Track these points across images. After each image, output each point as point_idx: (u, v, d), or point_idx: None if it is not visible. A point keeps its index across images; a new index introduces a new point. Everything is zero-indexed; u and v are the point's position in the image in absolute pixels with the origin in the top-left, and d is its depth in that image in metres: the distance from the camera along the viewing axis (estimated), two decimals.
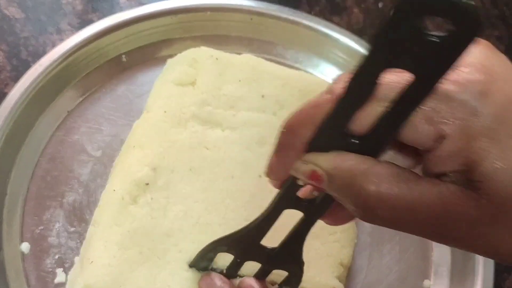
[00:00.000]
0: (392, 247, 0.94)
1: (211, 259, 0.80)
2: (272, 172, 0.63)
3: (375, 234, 0.95)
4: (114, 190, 0.85)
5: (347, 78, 0.49)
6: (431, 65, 0.45)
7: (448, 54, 0.44)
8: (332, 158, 0.54)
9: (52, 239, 0.89)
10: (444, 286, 0.93)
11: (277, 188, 0.65)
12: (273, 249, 0.74)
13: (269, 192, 0.86)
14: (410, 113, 0.49)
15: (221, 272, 0.81)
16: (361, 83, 0.49)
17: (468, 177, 0.48)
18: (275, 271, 0.79)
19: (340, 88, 0.50)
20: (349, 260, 0.88)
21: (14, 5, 1.10)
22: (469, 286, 0.90)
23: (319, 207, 0.65)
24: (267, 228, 0.71)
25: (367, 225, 0.95)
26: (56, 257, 0.88)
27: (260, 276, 0.79)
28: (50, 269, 0.87)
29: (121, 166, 0.88)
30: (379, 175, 0.51)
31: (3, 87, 1.01)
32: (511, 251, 0.49)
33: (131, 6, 1.13)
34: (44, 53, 1.04)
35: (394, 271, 0.93)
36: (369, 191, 0.50)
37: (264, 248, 0.74)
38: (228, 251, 0.77)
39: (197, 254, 0.80)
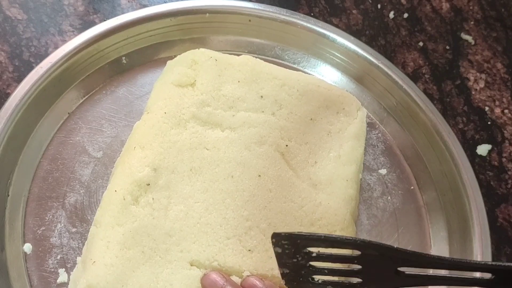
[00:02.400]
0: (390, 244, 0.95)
1: (335, 247, 0.71)
2: None
3: (374, 233, 0.96)
4: (116, 191, 0.86)
5: None
6: None
7: None
8: None
9: (54, 240, 0.90)
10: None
11: None
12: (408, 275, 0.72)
13: (268, 191, 0.88)
14: None
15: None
16: None
17: None
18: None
19: None
20: None
21: (16, 6, 1.10)
22: None
23: None
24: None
25: (365, 223, 0.96)
26: (58, 257, 0.88)
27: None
28: (52, 269, 0.88)
29: (122, 167, 0.89)
30: None
31: (5, 88, 1.02)
32: None
33: (132, 7, 1.14)
34: (46, 54, 1.05)
35: None
36: None
37: (400, 273, 0.71)
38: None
39: (322, 236, 0.72)
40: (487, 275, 0.69)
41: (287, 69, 1.01)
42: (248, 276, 0.81)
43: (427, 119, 1.02)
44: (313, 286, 0.76)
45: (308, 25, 1.09)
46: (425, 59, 1.17)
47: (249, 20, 1.09)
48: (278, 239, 0.71)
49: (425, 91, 1.12)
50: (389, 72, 1.06)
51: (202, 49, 1.00)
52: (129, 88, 1.03)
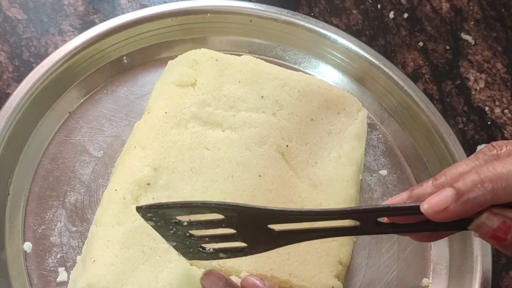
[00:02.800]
0: (390, 246, 0.95)
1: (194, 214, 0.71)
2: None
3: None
4: (116, 190, 0.86)
5: None
6: None
7: None
8: None
9: (54, 239, 0.90)
10: (442, 284, 0.93)
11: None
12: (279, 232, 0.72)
13: (268, 192, 0.88)
14: None
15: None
16: None
17: None
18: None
19: None
20: (348, 259, 0.89)
21: (16, 6, 1.10)
22: (467, 284, 0.90)
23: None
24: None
25: None
26: (58, 256, 0.88)
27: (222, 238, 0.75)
28: (52, 268, 0.88)
29: (123, 166, 0.89)
30: None
31: (5, 88, 1.02)
32: None
33: (132, 7, 1.14)
34: (46, 54, 1.05)
35: (393, 269, 0.93)
36: None
37: (269, 230, 0.72)
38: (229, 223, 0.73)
39: (178, 204, 0.71)
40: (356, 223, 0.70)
41: (288, 70, 1.01)
42: (248, 276, 0.80)
43: (427, 120, 1.02)
44: (207, 256, 0.76)
45: (309, 25, 1.09)
46: (425, 59, 1.17)
47: (250, 21, 1.09)
48: (143, 212, 0.71)
49: (425, 91, 1.12)
50: (390, 73, 1.06)
51: (203, 49, 1.00)
52: (130, 87, 1.04)
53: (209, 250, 0.75)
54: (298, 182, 0.91)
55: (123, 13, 1.11)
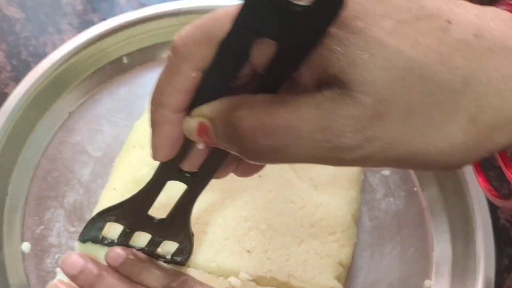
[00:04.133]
0: (393, 247, 0.94)
1: (101, 229, 0.79)
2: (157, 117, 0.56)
3: (376, 234, 0.95)
4: (115, 189, 0.86)
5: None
6: (297, 35, 0.44)
7: (313, 24, 0.43)
8: (215, 103, 0.51)
9: (53, 239, 0.90)
10: (445, 286, 0.92)
11: (162, 158, 0.60)
12: (161, 220, 0.75)
13: (268, 192, 0.87)
14: (284, 79, 0.49)
15: (111, 242, 0.79)
16: (232, 48, 0.48)
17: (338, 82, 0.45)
18: (166, 242, 0.78)
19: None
20: (349, 260, 0.88)
21: (14, 5, 1.11)
22: (470, 285, 0.89)
23: (203, 178, 0.67)
24: (152, 199, 0.72)
25: (367, 225, 0.95)
26: (57, 256, 0.88)
27: (152, 246, 0.78)
28: (51, 269, 0.88)
29: (122, 166, 0.89)
30: (251, 103, 0.48)
31: (3, 87, 1.02)
32: (423, 144, 0.46)
33: (131, 6, 1.14)
34: (44, 53, 1.06)
35: (395, 271, 0.92)
36: (242, 122, 0.48)
37: (152, 218, 0.75)
38: (117, 221, 0.77)
39: (86, 225, 0.79)
40: None
41: None
42: (111, 248, 0.80)
43: None
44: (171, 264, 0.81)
45: None
46: None
47: None
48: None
49: None
50: None
51: None
52: (129, 88, 1.04)
53: (168, 258, 0.80)
54: (298, 182, 0.91)
55: (122, 12, 1.11)
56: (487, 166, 1.04)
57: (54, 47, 1.05)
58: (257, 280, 0.82)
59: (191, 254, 0.80)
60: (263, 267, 0.82)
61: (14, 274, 0.87)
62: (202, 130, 0.52)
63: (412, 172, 1.01)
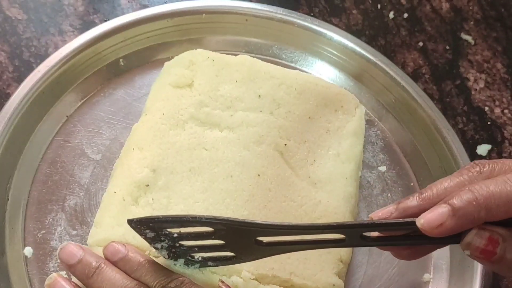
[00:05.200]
0: None
1: (184, 227, 0.74)
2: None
3: None
4: (115, 192, 0.86)
5: None
6: None
7: None
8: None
9: (55, 243, 0.90)
10: (443, 279, 0.93)
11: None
12: (264, 244, 0.74)
13: (268, 191, 0.88)
14: None
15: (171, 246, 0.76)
16: None
17: None
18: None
19: None
20: (349, 256, 0.89)
21: (16, 6, 1.11)
22: (468, 278, 0.90)
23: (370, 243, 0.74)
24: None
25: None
26: (59, 260, 0.88)
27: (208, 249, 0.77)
28: (53, 272, 0.86)
29: (121, 168, 0.89)
30: None
31: (5, 88, 1.02)
32: None
33: (132, 7, 1.15)
34: (46, 54, 1.06)
35: (393, 266, 0.93)
36: None
37: (260, 242, 0.74)
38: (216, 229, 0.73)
39: (169, 218, 0.74)
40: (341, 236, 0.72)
41: (285, 68, 1.01)
42: (111, 242, 0.80)
43: (425, 115, 1.02)
44: (195, 264, 0.79)
45: (305, 23, 1.09)
46: (425, 59, 1.17)
47: (246, 20, 1.09)
48: (134, 225, 0.74)
49: (424, 91, 1.11)
50: (387, 69, 1.06)
51: (199, 50, 1.00)
52: (127, 90, 1.04)
53: (197, 258, 0.78)
54: (297, 180, 0.91)
55: (123, 13, 1.12)
56: None
57: (56, 48, 1.05)
58: (259, 278, 0.82)
59: (226, 265, 0.80)
60: (264, 266, 0.82)
61: (17, 279, 0.86)
62: (490, 243, 0.64)
63: (408, 168, 1.03)
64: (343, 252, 0.87)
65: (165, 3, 1.14)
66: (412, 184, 1.01)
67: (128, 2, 1.15)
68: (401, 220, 0.69)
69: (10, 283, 0.86)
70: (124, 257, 0.78)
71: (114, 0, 1.15)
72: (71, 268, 0.78)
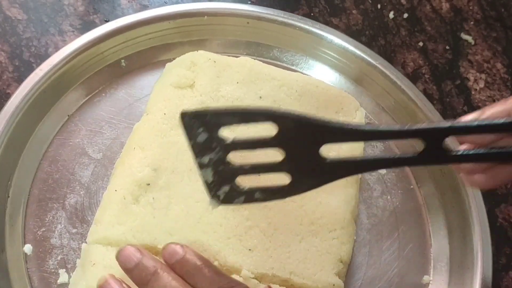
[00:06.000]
0: (391, 243, 0.95)
1: (247, 121, 0.68)
2: None
3: (374, 231, 0.96)
4: (116, 190, 0.86)
5: None
6: None
7: None
8: None
9: (55, 241, 0.90)
10: (443, 281, 0.93)
11: None
12: (328, 162, 0.69)
13: None
14: None
15: (221, 142, 0.69)
16: None
17: None
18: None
19: None
20: (349, 257, 0.89)
21: (16, 6, 1.11)
22: (468, 280, 0.90)
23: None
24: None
25: (365, 222, 0.96)
26: (59, 258, 0.88)
27: (264, 170, 0.70)
28: (53, 270, 0.88)
29: (122, 167, 0.89)
30: None
31: (5, 88, 1.03)
32: None
33: (132, 8, 1.15)
34: (46, 54, 1.06)
35: (393, 267, 0.93)
36: None
37: (322, 158, 0.69)
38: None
39: (232, 109, 0.70)
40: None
41: (286, 70, 1.02)
42: (168, 243, 0.78)
43: (425, 118, 1.02)
44: (240, 196, 0.71)
45: (306, 26, 1.09)
46: (425, 59, 1.17)
47: (247, 22, 1.09)
48: (187, 119, 0.68)
49: (425, 91, 1.12)
50: (387, 73, 1.06)
51: (200, 51, 1.00)
52: (128, 90, 1.04)
53: (243, 188, 0.71)
54: None
55: (123, 13, 1.12)
56: None
57: (56, 48, 1.05)
58: (259, 278, 0.83)
59: (275, 199, 0.73)
60: (264, 265, 0.83)
61: (17, 276, 0.86)
62: None
63: (408, 170, 1.03)
64: (343, 252, 0.88)
65: (165, 3, 1.14)
66: (411, 187, 1.01)
67: (128, 2, 1.15)
68: (501, 120, 0.63)
69: (9, 281, 0.86)
70: (181, 259, 0.75)
71: (114, 0, 1.15)
72: (128, 272, 0.76)
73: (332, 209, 0.89)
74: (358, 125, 0.68)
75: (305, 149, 0.67)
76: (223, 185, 0.70)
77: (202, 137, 0.68)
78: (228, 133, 0.68)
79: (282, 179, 0.70)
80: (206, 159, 0.68)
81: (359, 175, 0.98)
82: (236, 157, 0.68)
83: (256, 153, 0.68)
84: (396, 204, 0.99)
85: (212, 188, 0.70)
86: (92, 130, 0.99)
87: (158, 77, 1.01)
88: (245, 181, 0.70)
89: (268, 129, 0.66)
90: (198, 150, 0.68)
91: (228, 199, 0.71)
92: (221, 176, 0.69)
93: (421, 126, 0.65)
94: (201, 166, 0.69)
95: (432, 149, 0.65)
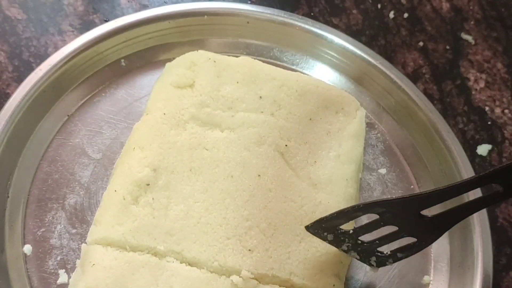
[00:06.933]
0: (391, 244, 0.95)
1: (351, 219, 0.83)
2: None
3: (374, 232, 0.95)
4: (115, 191, 0.86)
5: None
6: None
7: None
8: None
9: (54, 241, 0.90)
10: (443, 281, 0.93)
11: None
12: (430, 218, 0.79)
13: (268, 191, 0.88)
14: None
15: (345, 233, 0.83)
16: None
17: None
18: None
19: None
20: (349, 257, 0.88)
21: (16, 6, 1.11)
22: (468, 280, 0.90)
23: None
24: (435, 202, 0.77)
25: (365, 222, 0.96)
26: (58, 258, 0.88)
27: (386, 240, 0.83)
28: (53, 270, 0.88)
29: (122, 168, 0.89)
30: None
31: (5, 88, 1.02)
32: None
33: (132, 7, 1.14)
34: (45, 53, 1.06)
35: (393, 267, 0.93)
36: None
37: (422, 216, 0.79)
38: (382, 213, 0.79)
39: (337, 213, 0.81)
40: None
41: (286, 70, 1.02)
42: None
43: (426, 118, 1.02)
44: (387, 258, 0.85)
45: (306, 26, 1.09)
46: (425, 59, 1.17)
47: (247, 22, 1.10)
48: (312, 231, 0.83)
49: (425, 91, 1.12)
50: (387, 72, 1.06)
51: (200, 51, 1.00)
52: (128, 90, 1.04)
53: (386, 253, 0.85)
54: (297, 181, 0.91)
55: (123, 13, 1.12)
56: (485, 166, 1.05)
57: (56, 47, 1.05)
58: (259, 278, 0.83)
59: (414, 253, 0.84)
60: (264, 265, 0.83)
61: (16, 276, 0.87)
62: None
63: (408, 170, 1.03)
64: (343, 253, 0.87)
65: (165, 3, 1.14)
66: (412, 186, 1.01)
67: (128, 2, 1.15)
68: None
69: (9, 281, 0.86)
70: None
71: (114, 0, 1.15)
72: None
73: (332, 209, 0.89)
74: (444, 188, 0.76)
75: (408, 219, 0.80)
76: (370, 257, 0.85)
77: (330, 237, 0.83)
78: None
79: None
80: (345, 247, 0.84)
81: (360, 175, 0.98)
82: None
83: None
84: None
85: (364, 261, 0.86)
86: (92, 130, 0.99)
87: (158, 76, 1.01)
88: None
89: None
90: (335, 244, 0.84)
91: (380, 264, 0.86)
92: (364, 252, 0.85)
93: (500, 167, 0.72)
94: (346, 251, 0.85)
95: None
